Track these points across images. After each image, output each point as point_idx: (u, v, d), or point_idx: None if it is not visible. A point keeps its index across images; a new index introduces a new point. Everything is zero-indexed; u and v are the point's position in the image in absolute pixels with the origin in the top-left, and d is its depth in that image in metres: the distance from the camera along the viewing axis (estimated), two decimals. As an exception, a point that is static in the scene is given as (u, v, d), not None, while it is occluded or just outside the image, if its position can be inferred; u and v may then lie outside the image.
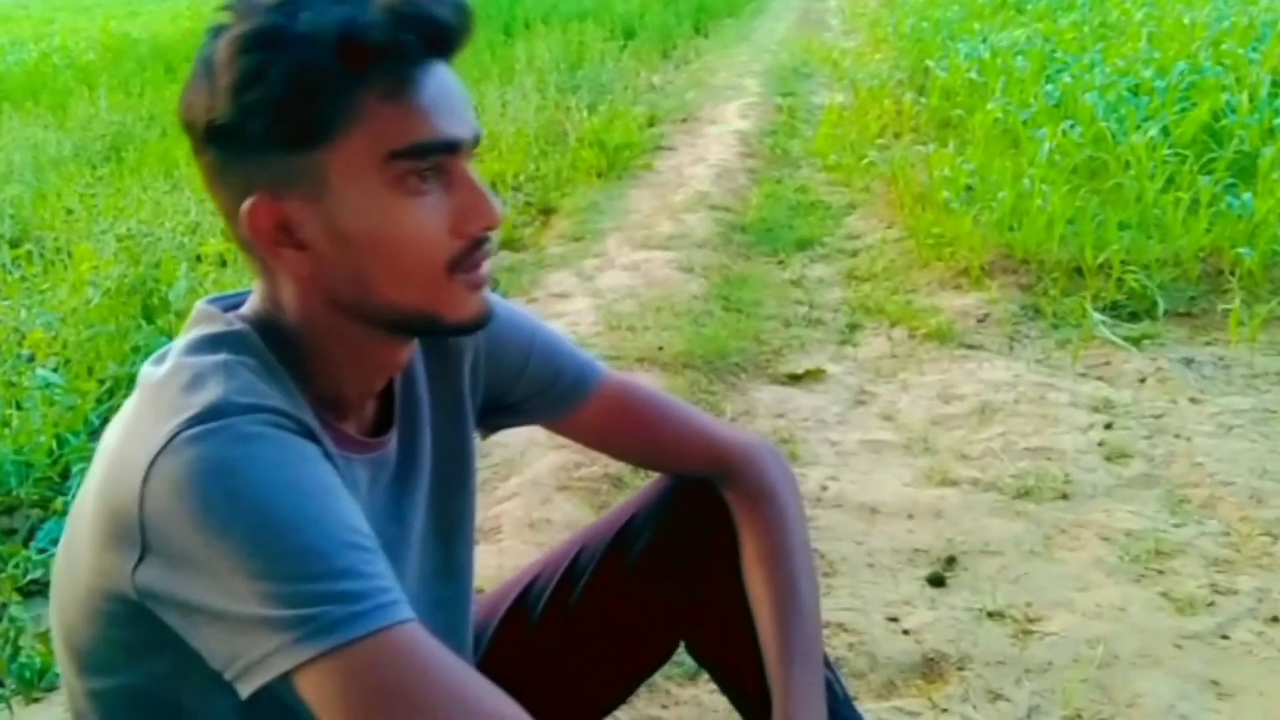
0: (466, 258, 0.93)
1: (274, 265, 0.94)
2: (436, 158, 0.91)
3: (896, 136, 6.15)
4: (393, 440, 1.07)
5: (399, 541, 1.09)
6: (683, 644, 1.39)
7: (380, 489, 1.06)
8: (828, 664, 1.35)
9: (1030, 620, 2.15)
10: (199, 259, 4.09)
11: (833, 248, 4.68)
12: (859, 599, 2.25)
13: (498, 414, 1.25)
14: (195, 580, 0.81)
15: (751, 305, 3.95)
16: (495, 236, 0.97)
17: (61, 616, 0.97)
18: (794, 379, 3.38)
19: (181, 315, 3.36)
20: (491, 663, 1.34)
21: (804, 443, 2.94)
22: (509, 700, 0.84)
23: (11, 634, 2.16)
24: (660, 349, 3.44)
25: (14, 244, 4.50)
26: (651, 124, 7.60)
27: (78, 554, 0.92)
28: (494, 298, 1.21)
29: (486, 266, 0.96)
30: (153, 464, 0.82)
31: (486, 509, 2.58)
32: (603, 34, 10.83)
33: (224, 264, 3.81)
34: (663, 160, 6.28)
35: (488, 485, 2.72)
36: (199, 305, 1.00)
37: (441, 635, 1.15)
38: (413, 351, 1.07)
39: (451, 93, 0.93)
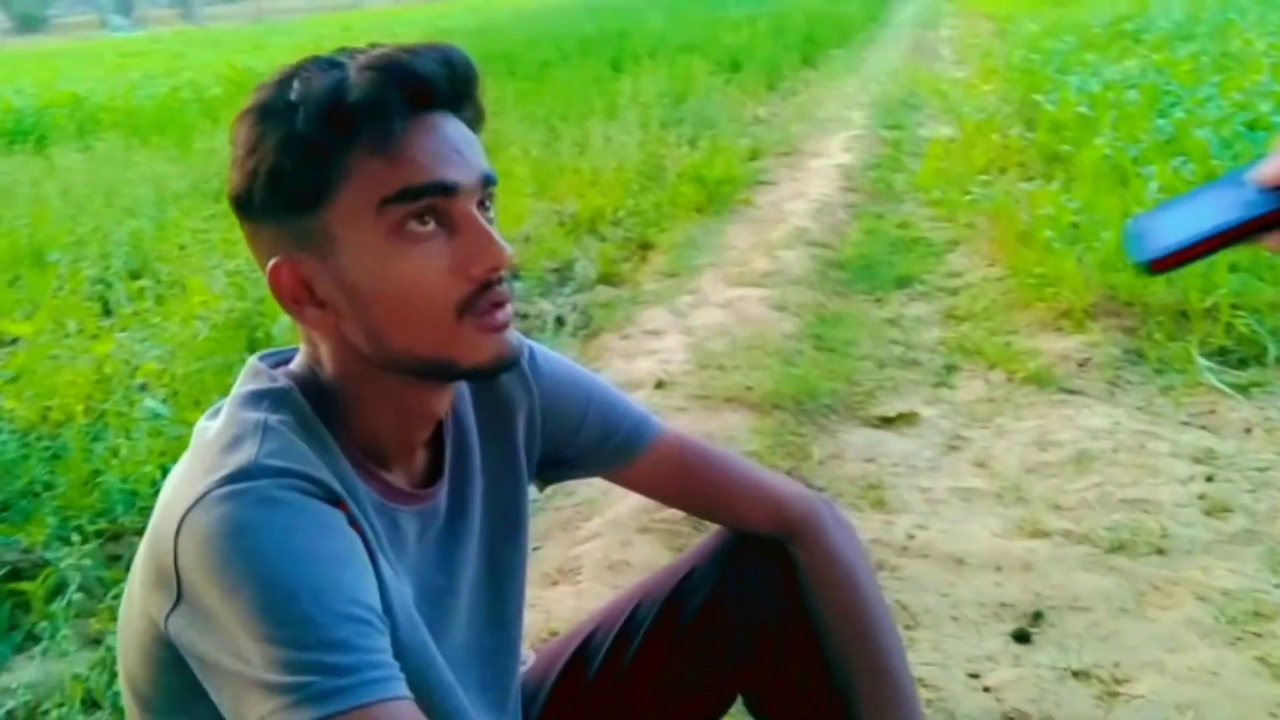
0: (475, 301, 0.95)
1: (303, 323, 0.98)
2: (429, 200, 0.94)
3: (1002, 171, 6.04)
4: (443, 491, 1.10)
5: (448, 592, 1.12)
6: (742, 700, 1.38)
7: (430, 539, 1.09)
8: None
9: (1117, 681, 2.09)
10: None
11: (932, 286, 4.61)
12: (940, 653, 2.20)
13: (555, 466, 1.28)
14: (211, 635, 0.85)
15: (845, 344, 3.92)
16: (508, 278, 0.99)
17: (124, 658, 1.01)
18: (886, 422, 3.34)
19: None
20: (551, 716, 1.36)
21: (893, 489, 2.90)
22: None
23: (108, 661, 2.24)
24: (749, 389, 3.43)
25: (134, 276, 4.70)
26: (754, 157, 7.60)
27: (133, 597, 0.96)
28: (550, 354, 1.25)
29: (505, 310, 0.97)
30: (185, 517, 0.87)
31: (567, 549, 2.60)
32: (709, 67, 10.88)
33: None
34: (763, 195, 6.28)
35: (570, 525, 2.74)
36: (250, 360, 1.04)
37: (489, 682, 1.18)
38: (454, 399, 1.10)
39: (446, 140, 0.95)
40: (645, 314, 4.32)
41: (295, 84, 0.93)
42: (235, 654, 0.84)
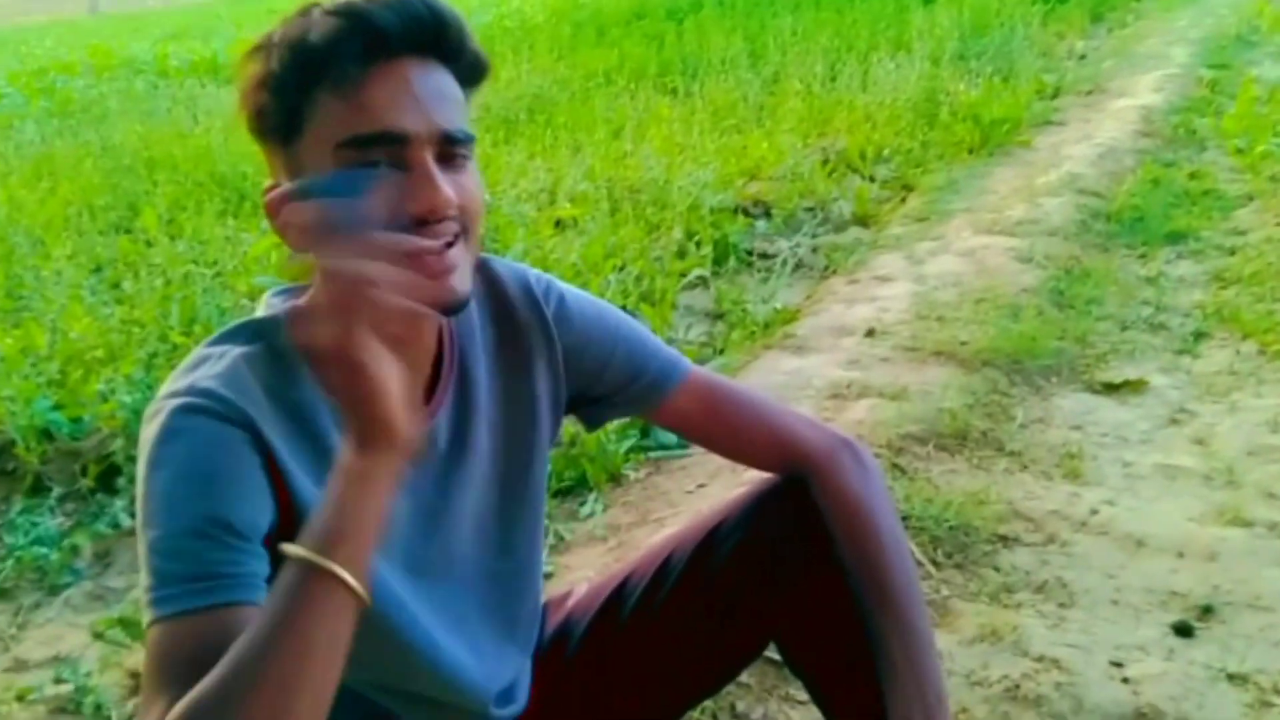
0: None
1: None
2: (383, 148, 0.98)
3: (1325, 120, 5.43)
4: (440, 417, 1.17)
5: (447, 512, 1.20)
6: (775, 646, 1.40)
7: (430, 461, 1.17)
8: None
9: (1277, 691, 1.92)
10: (558, 224, 4.40)
11: (1208, 243, 4.25)
12: (1088, 636, 2.10)
13: (589, 405, 1.33)
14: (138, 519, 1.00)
15: (1087, 303, 3.69)
16: (458, 228, 1.02)
17: None
18: (1109, 388, 3.14)
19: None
20: (584, 656, 1.42)
21: (1093, 460, 2.75)
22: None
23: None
24: (964, 343, 3.31)
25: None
26: (1054, 95, 7.18)
27: None
28: (580, 297, 1.29)
29: (441, 257, 1.00)
30: (145, 418, 1.03)
31: (685, 490, 2.63)
32: (1028, -2, 10.28)
33: (559, 226, 4.07)
34: (1046, 136, 5.94)
35: (690, 471, 2.76)
36: (266, 294, 1.15)
37: (496, 604, 1.25)
38: (435, 331, 1.15)
39: (406, 89, 0.99)
40: (881, 259, 4.23)
41: (277, 29, 1.02)
42: (139, 539, 0.98)
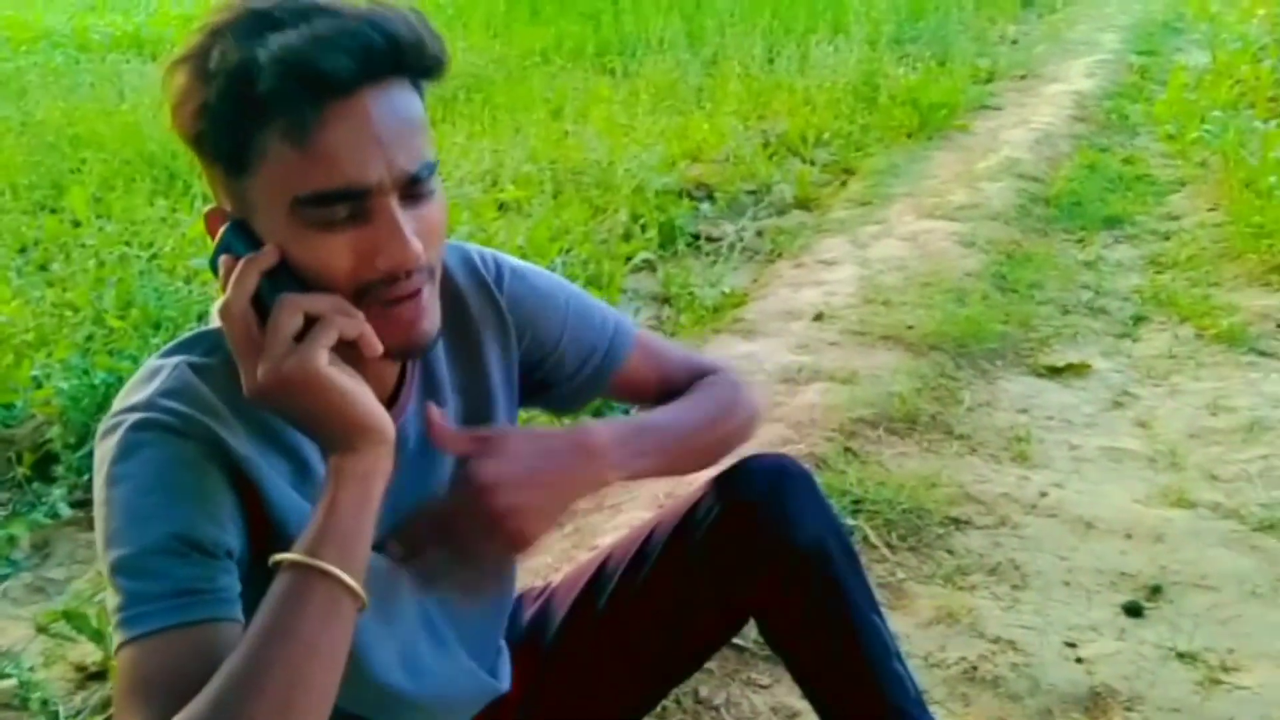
0: (377, 290, 0.96)
1: None
2: (345, 203, 0.93)
3: (1252, 107, 5.55)
4: (405, 417, 1.13)
5: (431, 490, 1.17)
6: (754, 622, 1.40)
7: (403, 461, 1.12)
8: (899, 658, 1.35)
9: (1225, 669, 1.96)
10: (501, 207, 4.36)
11: (1143, 228, 4.34)
12: (1041, 618, 2.13)
13: (548, 388, 1.30)
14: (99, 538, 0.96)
15: (1029, 287, 3.75)
16: (423, 271, 0.98)
17: None
18: (1053, 372, 3.19)
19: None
20: (565, 641, 1.41)
21: (1040, 443, 2.79)
22: None
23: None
24: (910, 327, 3.34)
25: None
26: (988, 80, 7.27)
27: None
28: (526, 270, 1.26)
29: (411, 303, 0.98)
30: (98, 434, 0.99)
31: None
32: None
33: (503, 209, 4.03)
34: (983, 121, 6.01)
35: None
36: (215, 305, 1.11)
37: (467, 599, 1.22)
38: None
39: (364, 131, 0.92)
40: (825, 243, 4.25)
41: (214, 52, 0.92)
42: (101, 559, 0.95)
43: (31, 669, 2.10)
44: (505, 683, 1.34)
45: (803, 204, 4.92)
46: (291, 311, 0.92)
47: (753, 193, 5.00)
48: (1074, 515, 2.46)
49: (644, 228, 4.25)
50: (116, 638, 0.91)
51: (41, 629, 2.23)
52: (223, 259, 0.96)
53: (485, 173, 4.62)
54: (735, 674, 1.97)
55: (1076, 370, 3.19)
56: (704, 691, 1.93)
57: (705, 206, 4.71)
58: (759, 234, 4.48)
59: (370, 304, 0.96)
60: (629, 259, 4.00)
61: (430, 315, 1.00)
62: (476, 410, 1.22)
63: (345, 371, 0.93)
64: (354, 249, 0.94)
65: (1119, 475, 2.63)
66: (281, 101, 0.90)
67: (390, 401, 1.12)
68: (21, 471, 2.78)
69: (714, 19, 8.18)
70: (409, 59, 0.95)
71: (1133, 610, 2.14)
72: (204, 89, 0.92)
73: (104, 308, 3.44)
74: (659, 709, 1.85)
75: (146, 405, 0.97)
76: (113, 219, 4.42)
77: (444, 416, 1.11)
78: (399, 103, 0.95)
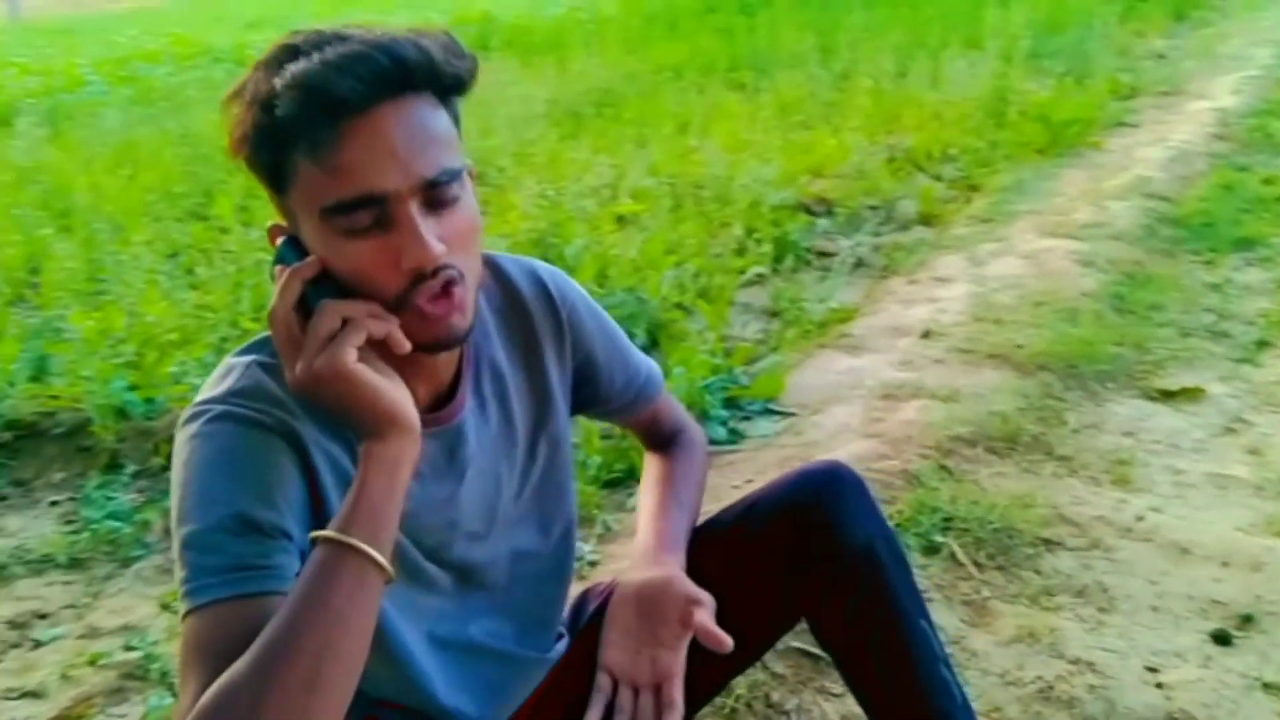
0: (409, 293, 1.04)
1: None
2: (366, 210, 1.02)
3: None
4: (461, 416, 1.23)
5: (494, 488, 1.28)
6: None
7: (465, 455, 1.23)
8: (947, 664, 1.40)
9: (1312, 702, 1.92)
10: (620, 220, 4.46)
11: (1278, 250, 4.19)
12: (1125, 640, 2.11)
13: (585, 406, 1.41)
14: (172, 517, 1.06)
15: (1149, 308, 3.67)
16: (453, 268, 1.06)
17: None
18: (1165, 395, 3.13)
19: (575, 270, 3.72)
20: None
21: (1143, 467, 2.74)
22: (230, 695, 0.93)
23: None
24: (1020, 346, 3.31)
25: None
26: (1130, 96, 7.09)
27: None
28: (583, 290, 1.36)
29: (443, 301, 1.05)
30: (180, 424, 1.10)
31: (731, 484, 2.67)
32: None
33: (621, 222, 4.13)
34: (1118, 138, 5.87)
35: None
36: None
37: (542, 567, 1.35)
38: (446, 354, 1.19)
39: (382, 144, 1.01)
40: (942, 259, 4.22)
41: (249, 85, 1.03)
42: (173, 536, 1.05)
43: (154, 643, 2.27)
44: (543, 666, 1.42)
45: (926, 220, 4.90)
46: (327, 315, 1.02)
47: (874, 208, 5.00)
48: (1170, 540, 2.42)
49: (758, 242, 4.30)
50: (181, 608, 1.02)
51: (164, 606, 2.40)
52: (276, 269, 1.06)
53: (604, 186, 4.73)
54: (808, 681, 2.01)
55: (1190, 395, 3.12)
56: (775, 696, 1.98)
57: (823, 222, 4.73)
58: (875, 249, 4.48)
59: (409, 307, 1.05)
60: (741, 273, 4.05)
61: (461, 312, 1.08)
62: (540, 410, 1.31)
63: (378, 368, 1.03)
64: (380, 253, 1.03)
65: (1223, 502, 2.58)
66: (299, 123, 1.00)
67: (448, 397, 1.22)
68: (158, 461, 2.99)
69: (848, 33, 8.17)
70: (419, 78, 1.03)
71: (1221, 638, 2.11)
72: (245, 118, 1.03)
73: (240, 310, 3.66)
74: (727, 710, 1.91)
75: (221, 399, 1.08)
76: (255, 226, 4.67)
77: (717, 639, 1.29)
78: (416, 117, 1.03)
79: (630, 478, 2.78)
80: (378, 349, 1.04)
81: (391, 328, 1.03)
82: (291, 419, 1.09)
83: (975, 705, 1.94)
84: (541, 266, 1.34)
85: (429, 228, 1.03)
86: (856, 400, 3.05)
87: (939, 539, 2.39)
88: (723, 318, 3.63)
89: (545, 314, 1.31)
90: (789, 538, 1.36)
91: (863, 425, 2.89)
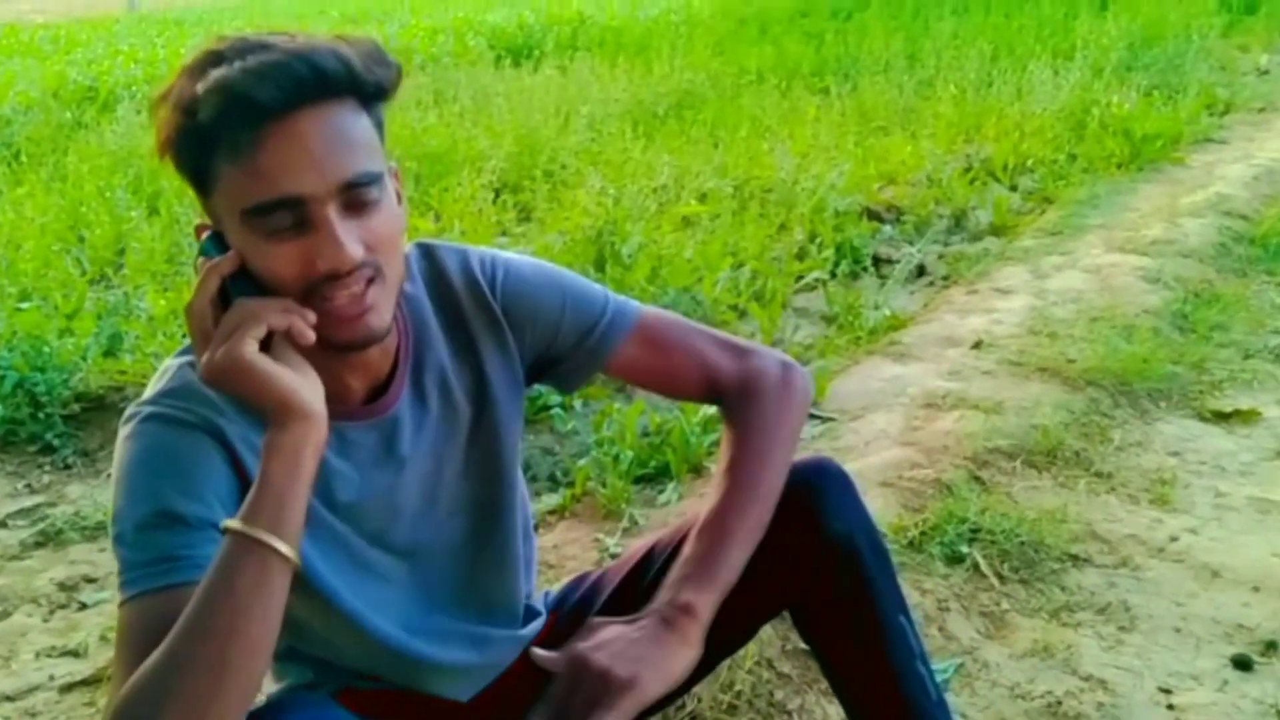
0: (319, 290, 1.08)
1: None
2: (285, 211, 1.05)
3: None
4: (398, 406, 1.26)
5: (435, 476, 1.31)
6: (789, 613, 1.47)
7: (404, 441, 1.27)
8: (923, 660, 1.41)
9: (1327, 733, 1.89)
10: (686, 221, 4.49)
11: (1358, 274, 4.08)
12: (1141, 660, 2.09)
13: (550, 369, 1.40)
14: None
15: (1211, 328, 3.59)
16: (369, 269, 1.09)
17: None
18: (1219, 417, 3.07)
19: (629, 268, 3.76)
20: (610, 615, 1.51)
21: (1184, 488, 2.70)
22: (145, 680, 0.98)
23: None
24: (1071, 361, 3.27)
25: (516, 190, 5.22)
26: (1226, 111, 6.93)
27: None
28: (520, 265, 1.36)
29: (354, 302, 1.09)
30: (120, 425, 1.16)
31: None
32: (1212, 7, 9.87)
33: (687, 223, 4.16)
34: (1202, 155, 5.74)
35: None
36: None
37: (472, 589, 1.37)
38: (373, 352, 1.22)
39: (300, 148, 1.04)
40: (1005, 270, 4.18)
41: (174, 90, 1.06)
42: (111, 530, 1.12)
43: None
44: (515, 644, 1.44)
45: (997, 231, 4.85)
46: (235, 310, 1.06)
47: (945, 217, 4.97)
48: (1201, 562, 2.38)
49: (820, 247, 4.30)
50: (117, 601, 1.08)
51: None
52: (199, 262, 1.11)
53: (669, 186, 4.77)
54: (814, 682, 2.02)
55: (1244, 417, 3.05)
56: (779, 695, 1.99)
57: (888, 229, 4.71)
58: (939, 258, 4.45)
59: (318, 303, 1.09)
60: (799, 277, 4.06)
61: (377, 312, 1.12)
62: (480, 398, 1.33)
63: (288, 360, 1.07)
64: (298, 255, 1.07)
65: (1262, 526, 2.52)
66: (219, 128, 1.03)
67: (381, 390, 1.26)
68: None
69: (937, 41, 8.09)
70: (338, 86, 1.06)
71: (1241, 663, 2.07)
72: (169, 122, 1.07)
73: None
74: (726, 705, 1.93)
75: (153, 400, 1.14)
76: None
77: (547, 658, 1.28)
78: (334, 123, 1.06)
79: (663, 476, 2.81)
80: (297, 344, 1.08)
81: (294, 320, 1.06)
82: (218, 416, 1.14)
83: (980, 716, 1.97)
84: (475, 255, 1.35)
85: (348, 230, 1.07)
86: (897, 408, 3.04)
87: (964, 549, 2.38)
88: (775, 321, 3.64)
89: (478, 307, 1.32)
90: (773, 527, 1.36)
91: (900, 433, 2.88)
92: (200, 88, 1.03)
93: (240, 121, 1.03)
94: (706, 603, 1.28)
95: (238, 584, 1.00)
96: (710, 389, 1.43)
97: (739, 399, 1.41)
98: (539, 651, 1.31)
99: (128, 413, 1.15)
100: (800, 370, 1.45)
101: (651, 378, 1.45)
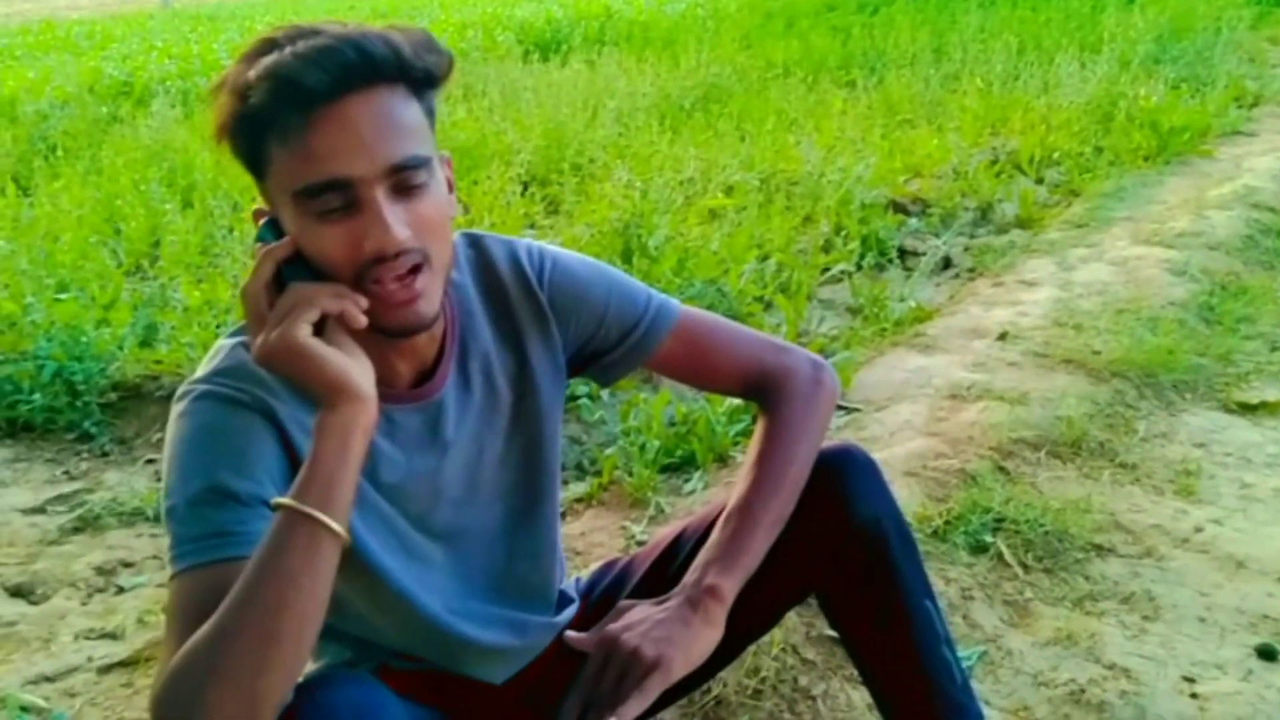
0: (368, 273, 1.11)
1: None
2: (334, 193, 1.08)
3: None
4: (443, 391, 1.30)
5: (476, 462, 1.35)
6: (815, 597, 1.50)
7: (449, 425, 1.31)
8: (949, 644, 1.43)
9: (1350, 721, 1.90)
10: (712, 213, 4.51)
11: (1387, 267, 4.06)
12: (1165, 649, 2.10)
13: (592, 362, 1.44)
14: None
15: (1238, 320, 3.59)
16: (415, 254, 1.12)
17: None
18: (1245, 409, 3.07)
19: (656, 260, 3.79)
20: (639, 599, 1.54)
21: (1210, 479, 2.71)
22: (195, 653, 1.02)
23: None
24: (1097, 353, 3.28)
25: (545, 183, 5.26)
26: (1255, 104, 6.89)
27: None
28: (567, 260, 1.40)
29: (401, 285, 1.12)
30: (173, 404, 1.19)
31: None
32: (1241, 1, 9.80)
33: (713, 216, 4.19)
34: (1230, 147, 5.71)
35: None
36: None
37: (512, 573, 1.40)
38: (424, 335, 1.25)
39: (349, 131, 1.07)
40: (1030, 263, 4.18)
41: (229, 77, 1.09)
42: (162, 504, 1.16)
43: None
44: (549, 630, 1.48)
45: (1023, 224, 4.85)
46: (289, 294, 1.10)
47: (971, 210, 4.97)
48: (1226, 553, 2.39)
49: (845, 239, 4.31)
50: (168, 574, 1.12)
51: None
52: (257, 248, 1.14)
53: (696, 180, 4.79)
54: (839, 669, 2.04)
55: (1271, 409, 3.06)
56: (803, 680, 2.02)
57: (914, 221, 4.72)
58: (965, 250, 4.46)
59: (369, 287, 1.12)
60: (825, 270, 4.07)
61: (426, 299, 1.15)
62: (523, 387, 1.37)
63: (339, 343, 1.10)
64: (347, 235, 1.10)
65: (1288, 518, 2.53)
66: (271, 112, 1.07)
67: (432, 374, 1.29)
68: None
69: (963, 34, 8.07)
70: (386, 71, 1.09)
71: (1266, 653, 2.08)
72: (224, 107, 1.11)
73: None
74: (751, 690, 1.96)
75: (205, 379, 1.18)
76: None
77: (580, 639, 1.33)
78: (383, 107, 1.10)
79: (689, 465, 2.84)
80: (350, 329, 1.11)
81: (346, 304, 1.10)
82: (270, 396, 1.17)
83: (1003, 703, 1.99)
84: (523, 247, 1.38)
85: (395, 213, 1.10)
86: (922, 399, 3.06)
87: (988, 538, 2.40)
88: (800, 313, 3.66)
89: (525, 296, 1.36)
90: (800, 512, 1.39)
91: (925, 423, 2.90)
92: (253, 74, 1.06)
93: (290, 106, 1.06)
94: (731, 586, 1.32)
95: (288, 558, 1.03)
96: (744, 385, 1.48)
97: (771, 395, 1.45)
98: (572, 634, 1.35)
99: (180, 390, 1.19)
100: (830, 369, 1.50)
101: (689, 373, 1.49)
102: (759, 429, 1.45)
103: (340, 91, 1.07)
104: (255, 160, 1.13)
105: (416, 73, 1.12)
